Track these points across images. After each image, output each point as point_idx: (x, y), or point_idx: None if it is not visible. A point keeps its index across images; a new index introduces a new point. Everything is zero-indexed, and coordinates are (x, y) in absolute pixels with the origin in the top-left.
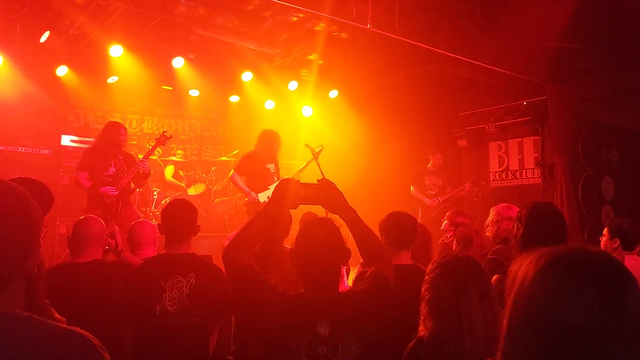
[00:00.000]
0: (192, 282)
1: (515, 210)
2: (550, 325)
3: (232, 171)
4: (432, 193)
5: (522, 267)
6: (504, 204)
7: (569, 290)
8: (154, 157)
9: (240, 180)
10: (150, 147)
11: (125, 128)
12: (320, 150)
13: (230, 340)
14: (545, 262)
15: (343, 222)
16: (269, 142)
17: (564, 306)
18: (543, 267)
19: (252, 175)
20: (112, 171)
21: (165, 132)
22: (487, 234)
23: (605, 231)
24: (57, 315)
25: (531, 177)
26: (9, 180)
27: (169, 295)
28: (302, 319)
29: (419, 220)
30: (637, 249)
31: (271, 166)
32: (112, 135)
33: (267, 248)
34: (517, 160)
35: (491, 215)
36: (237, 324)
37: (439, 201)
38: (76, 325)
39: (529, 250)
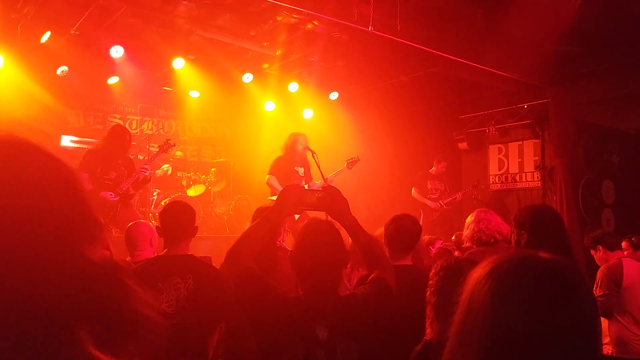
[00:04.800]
0: (190, 283)
1: (484, 214)
2: (490, 328)
3: (267, 176)
4: (434, 197)
5: (475, 272)
6: (476, 214)
7: (508, 293)
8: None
9: (276, 183)
10: (154, 154)
11: (130, 134)
12: (356, 161)
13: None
14: (490, 267)
15: None
16: (292, 144)
17: (502, 308)
18: (487, 272)
19: (280, 178)
20: (113, 175)
21: (169, 140)
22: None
23: None
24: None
25: (531, 181)
26: None
27: (166, 297)
28: (301, 322)
29: (420, 224)
30: None
31: (300, 169)
32: (119, 141)
33: (268, 251)
34: (517, 164)
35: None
36: (228, 325)
37: (441, 204)
38: None
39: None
